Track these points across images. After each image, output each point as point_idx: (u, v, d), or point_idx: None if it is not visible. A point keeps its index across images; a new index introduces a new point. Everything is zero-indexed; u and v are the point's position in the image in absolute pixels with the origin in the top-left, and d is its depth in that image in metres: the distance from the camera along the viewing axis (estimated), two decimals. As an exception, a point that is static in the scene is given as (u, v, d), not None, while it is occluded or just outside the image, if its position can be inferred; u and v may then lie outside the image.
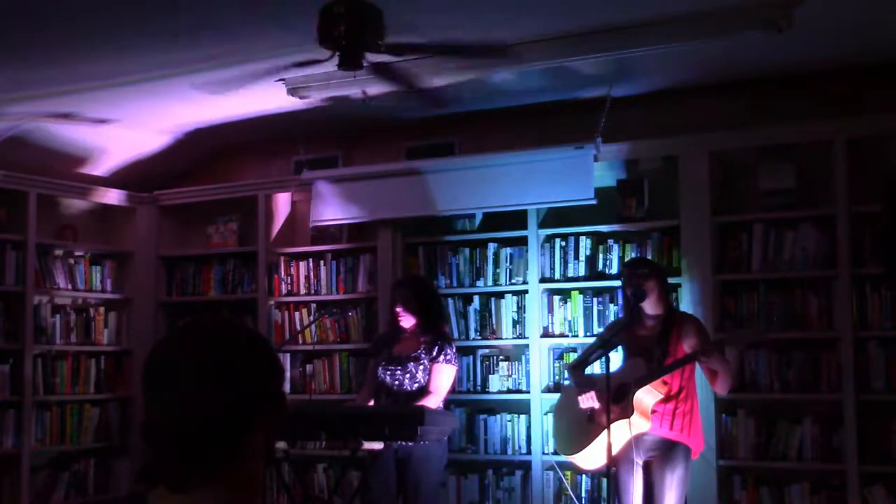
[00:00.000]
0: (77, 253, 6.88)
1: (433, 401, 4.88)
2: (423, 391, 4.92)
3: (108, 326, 6.94)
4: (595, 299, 5.76)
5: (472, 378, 6.04)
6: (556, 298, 5.87)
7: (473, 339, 6.06)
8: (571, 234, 5.85)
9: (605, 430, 4.37)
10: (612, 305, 5.68)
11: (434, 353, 4.95)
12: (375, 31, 4.19)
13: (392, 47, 4.31)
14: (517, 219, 5.94)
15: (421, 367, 4.95)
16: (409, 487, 4.87)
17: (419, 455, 4.81)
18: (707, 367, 4.60)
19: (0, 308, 6.30)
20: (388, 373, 5.00)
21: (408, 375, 4.95)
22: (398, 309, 5.05)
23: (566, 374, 5.56)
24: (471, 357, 6.04)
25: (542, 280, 5.88)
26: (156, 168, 7.15)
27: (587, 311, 5.76)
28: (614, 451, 4.38)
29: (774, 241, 5.38)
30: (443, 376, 4.97)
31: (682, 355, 4.62)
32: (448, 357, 4.98)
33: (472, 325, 6.07)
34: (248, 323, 6.52)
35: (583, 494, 5.66)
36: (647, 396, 4.56)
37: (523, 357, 5.93)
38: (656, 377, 4.56)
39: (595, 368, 4.84)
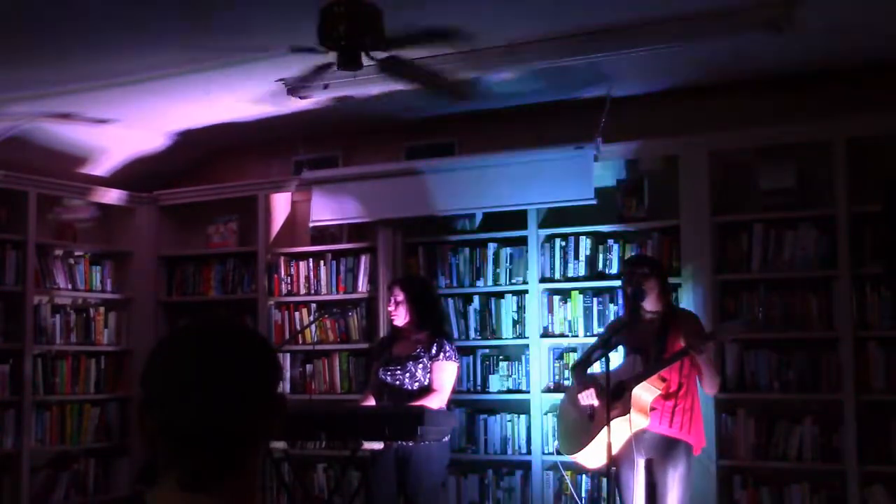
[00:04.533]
0: (77, 253, 6.87)
1: (439, 399, 4.87)
2: (425, 390, 4.91)
3: (108, 326, 6.94)
4: (595, 299, 5.76)
5: (472, 378, 6.04)
6: (556, 298, 5.87)
7: (473, 339, 6.06)
8: (571, 234, 5.85)
9: (605, 429, 4.38)
10: (612, 305, 5.68)
11: (434, 352, 4.95)
12: (375, 30, 4.19)
13: (394, 59, 4.31)
14: (517, 219, 5.94)
15: (420, 365, 4.94)
16: (410, 488, 4.86)
17: (420, 455, 4.80)
18: (695, 363, 4.61)
19: (0, 308, 6.30)
20: (389, 373, 5.00)
21: (408, 375, 4.95)
22: (390, 307, 5.07)
23: (567, 375, 5.58)
24: (471, 357, 6.03)
25: (542, 280, 5.88)
26: (156, 168, 7.15)
27: (587, 311, 5.76)
28: (615, 450, 4.39)
29: (774, 241, 5.38)
30: (445, 374, 4.96)
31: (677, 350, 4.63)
32: (448, 354, 4.97)
33: (472, 325, 6.06)
34: (248, 323, 6.53)
35: (583, 494, 5.67)
36: (644, 393, 4.56)
37: (523, 357, 5.93)
38: (652, 373, 4.56)
39: (596, 367, 4.85)
